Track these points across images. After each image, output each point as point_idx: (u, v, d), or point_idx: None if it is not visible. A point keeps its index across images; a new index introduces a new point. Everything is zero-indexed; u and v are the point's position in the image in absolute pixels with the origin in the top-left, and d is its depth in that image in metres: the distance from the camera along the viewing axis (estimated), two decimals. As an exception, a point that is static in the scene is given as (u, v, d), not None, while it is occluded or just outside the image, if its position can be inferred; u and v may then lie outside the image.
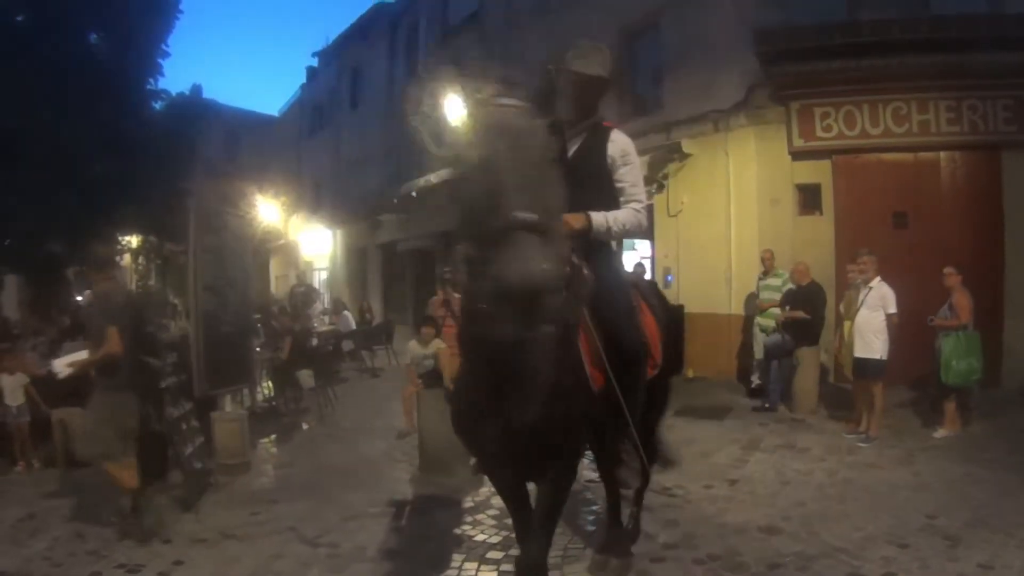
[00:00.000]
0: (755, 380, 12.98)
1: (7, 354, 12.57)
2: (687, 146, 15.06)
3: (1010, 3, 12.54)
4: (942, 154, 13.13)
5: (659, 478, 6.68)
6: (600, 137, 4.82)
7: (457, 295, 12.24)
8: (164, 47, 20.59)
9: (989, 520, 6.85)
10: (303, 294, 24.18)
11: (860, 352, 10.47)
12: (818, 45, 12.88)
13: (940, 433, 10.27)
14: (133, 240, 25.70)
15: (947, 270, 10.54)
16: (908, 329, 10.65)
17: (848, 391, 11.40)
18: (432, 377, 10.62)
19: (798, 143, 13.74)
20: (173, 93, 22.54)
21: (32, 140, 14.88)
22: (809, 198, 14.04)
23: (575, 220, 4.34)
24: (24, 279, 22.61)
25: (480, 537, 6.98)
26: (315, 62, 37.33)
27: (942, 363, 10.31)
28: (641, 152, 14.96)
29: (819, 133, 13.50)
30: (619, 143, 4.82)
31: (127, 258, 28.67)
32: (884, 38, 12.44)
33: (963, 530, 6.64)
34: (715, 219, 14.71)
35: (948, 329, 10.45)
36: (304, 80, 38.81)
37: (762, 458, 9.43)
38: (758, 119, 14.33)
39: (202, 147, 24.23)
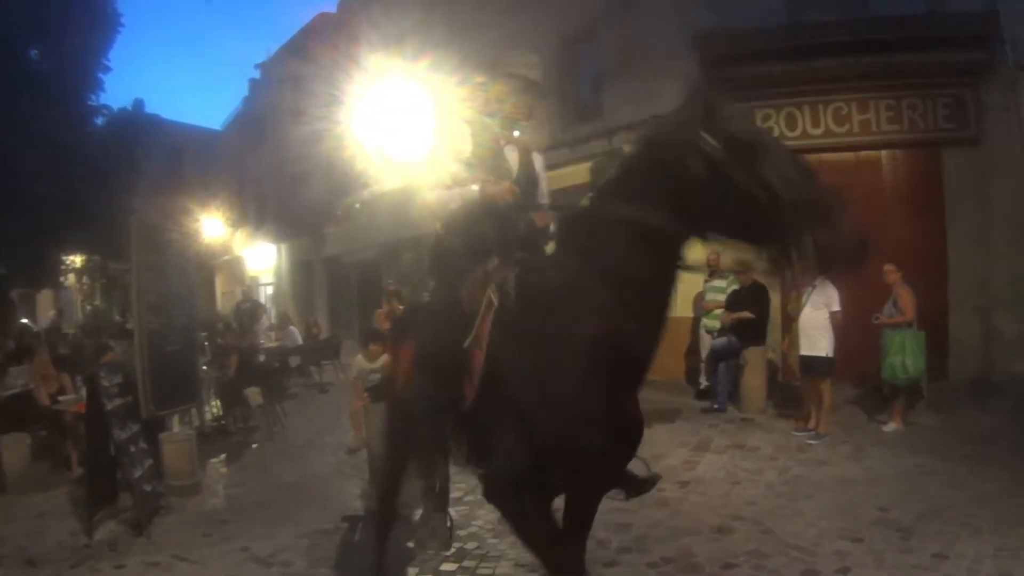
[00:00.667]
0: (703, 382, 12.99)
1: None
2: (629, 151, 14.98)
3: (948, 3, 12.72)
4: (883, 153, 13.31)
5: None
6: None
7: (402, 307, 12.18)
8: (105, 62, 20.37)
9: (941, 511, 6.92)
10: (249, 310, 23.89)
11: (806, 350, 10.57)
12: (758, 49, 12.99)
13: (889, 427, 10.40)
14: (77, 260, 25.37)
15: (887, 267, 10.64)
16: (853, 327, 10.74)
17: (796, 389, 11.48)
18: (378, 391, 10.51)
19: (741, 144, 13.67)
20: (115, 108, 22.30)
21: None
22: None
23: None
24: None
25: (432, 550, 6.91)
26: (257, 74, 37.02)
27: (886, 360, 10.48)
28: (583, 159, 14.96)
29: (760, 133, 13.48)
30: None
31: (71, 278, 28.33)
32: (824, 40, 12.58)
33: (916, 522, 6.69)
34: None
35: (894, 327, 10.58)
36: (247, 93, 38.46)
37: (713, 459, 9.42)
38: (697, 122, 14.25)
39: (145, 163, 23.98)
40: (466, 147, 4.32)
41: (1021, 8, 12.14)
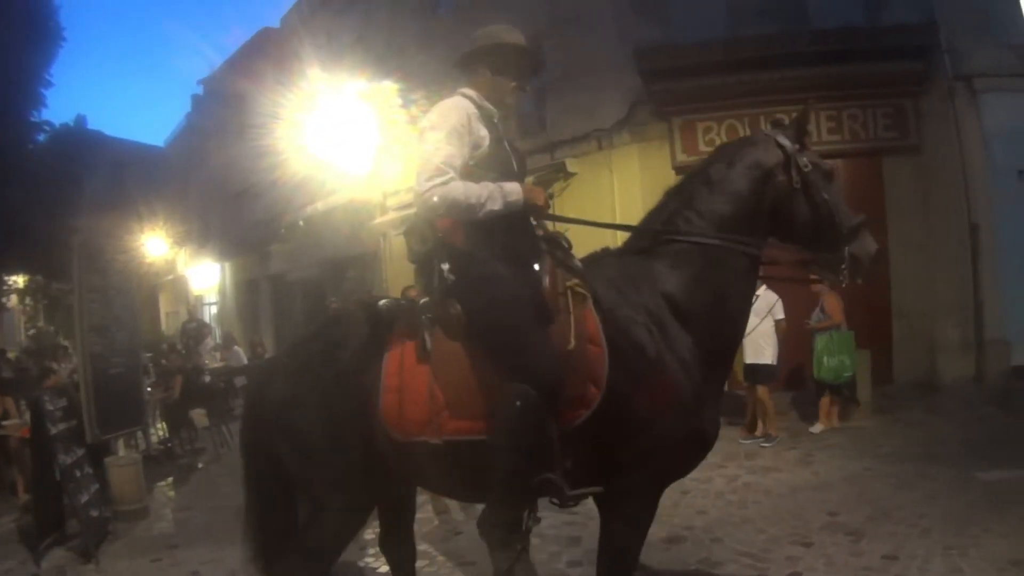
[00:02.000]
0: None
1: None
2: (571, 165, 15.12)
3: (887, 15, 12.95)
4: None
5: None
6: None
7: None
8: (47, 76, 20.07)
9: (890, 512, 7.00)
10: (194, 330, 23.63)
11: (751, 358, 10.71)
12: (699, 62, 13.17)
13: (817, 428, 10.77)
14: (19, 280, 24.97)
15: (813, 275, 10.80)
16: (788, 333, 11.02)
17: (742, 398, 11.55)
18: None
19: (681, 158, 13.91)
20: (57, 124, 22.00)
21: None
22: (695, 212, 14.12)
23: None
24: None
25: (384, 568, 6.82)
26: (200, 90, 36.65)
27: (821, 362, 10.80)
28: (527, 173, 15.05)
29: (702, 147, 13.63)
30: None
31: (14, 299, 27.88)
32: (764, 52, 12.75)
33: (865, 524, 6.76)
34: (602, 237, 14.54)
35: (824, 330, 10.91)
36: (189, 109, 38.07)
37: None
38: (641, 136, 14.49)
39: (87, 180, 23.67)
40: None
41: (959, 19, 12.47)
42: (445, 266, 3.89)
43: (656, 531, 6.94)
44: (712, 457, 9.28)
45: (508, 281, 3.80)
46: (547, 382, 3.51)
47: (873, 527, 6.66)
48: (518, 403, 3.51)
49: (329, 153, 16.90)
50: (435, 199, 3.77)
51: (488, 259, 3.86)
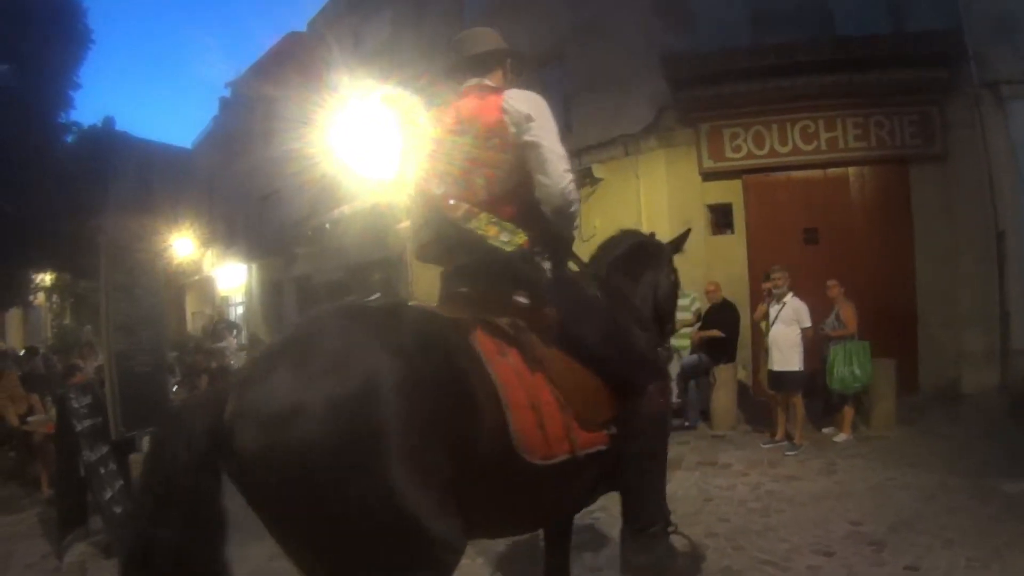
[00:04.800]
0: (674, 400, 13.00)
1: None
2: (598, 171, 15.23)
3: (913, 22, 12.89)
4: (851, 170, 13.48)
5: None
6: None
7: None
8: (76, 78, 20.22)
9: (913, 523, 6.95)
10: (221, 330, 23.82)
11: (777, 366, 10.74)
12: (724, 69, 13.17)
13: (840, 437, 10.69)
14: (47, 278, 25.15)
15: (830, 282, 11.14)
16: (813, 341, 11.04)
17: (766, 405, 11.59)
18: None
19: (708, 164, 14.01)
20: (85, 125, 22.16)
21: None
22: (721, 218, 14.33)
23: None
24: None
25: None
26: (228, 93, 36.75)
27: (834, 372, 10.79)
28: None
29: (728, 154, 13.80)
30: None
31: (40, 296, 28.08)
32: (790, 60, 12.74)
33: (888, 535, 6.71)
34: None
35: (838, 340, 10.89)
36: (217, 112, 38.19)
37: (684, 476, 9.40)
38: (668, 142, 14.57)
39: (114, 181, 23.81)
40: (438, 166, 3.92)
41: (984, 26, 12.36)
42: (547, 265, 3.81)
43: (679, 538, 7.00)
44: (736, 465, 9.41)
45: (587, 289, 3.98)
46: (664, 375, 3.74)
47: (895, 538, 6.62)
48: (658, 402, 3.75)
49: (355, 157, 16.94)
50: (574, 194, 3.83)
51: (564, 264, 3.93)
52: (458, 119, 3.86)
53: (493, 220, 3.69)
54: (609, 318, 3.91)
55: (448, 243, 3.80)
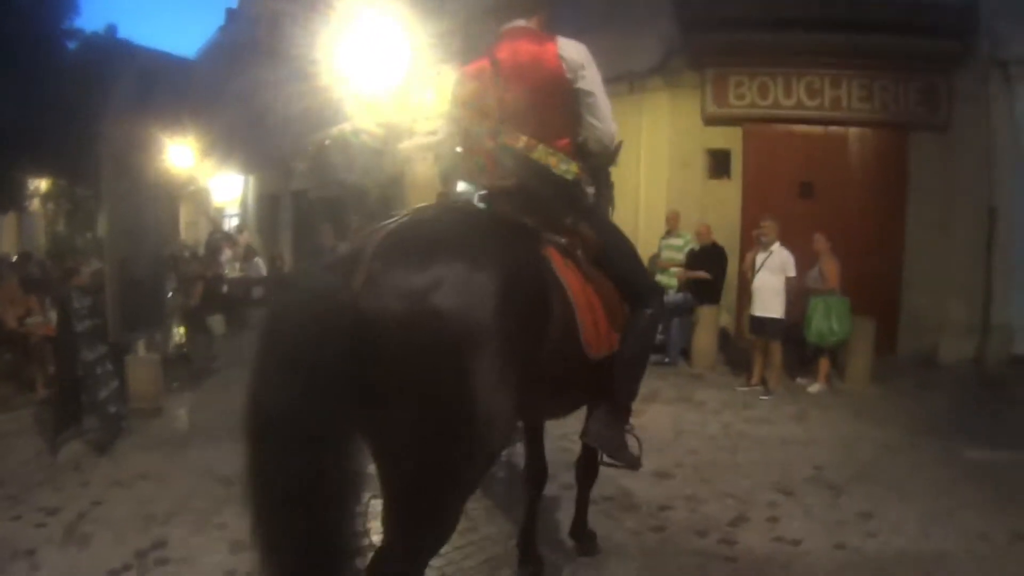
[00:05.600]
0: (657, 336, 13.10)
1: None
2: (600, 106, 15.12)
3: (928, -10, 12.81)
4: (851, 130, 13.49)
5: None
6: None
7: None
8: (80, -17, 20.07)
9: (873, 475, 7.17)
10: (219, 241, 23.94)
11: (759, 311, 10.98)
12: (737, 16, 13.05)
13: (814, 388, 10.89)
14: (43, 184, 25.09)
15: (817, 236, 11.30)
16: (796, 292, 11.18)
17: (744, 349, 11.89)
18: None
19: (711, 109, 13.99)
20: (87, 32, 22.00)
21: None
22: (719, 163, 14.34)
23: None
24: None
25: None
26: (235, 4, 36.36)
27: (812, 324, 10.99)
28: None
29: (732, 100, 13.78)
30: None
31: (36, 203, 28.06)
32: (803, 14, 12.64)
33: (847, 482, 6.93)
34: (626, 179, 14.46)
35: (818, 293, 11.05)
36: (223, 23, 37.78)
37: (660, 409, 9.67)
38: (673, 83, 14.50)
39: (114, 89, 23.67)
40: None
41: (1001, 3, 12.30)
42: (591, 189, 4.45)
43: (648, 464, 7.13)
44: (710, 403, 9.75)
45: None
46: (662, 303, 4.44)
47: (854, 486, 6.84)
48: (653, 321, 4.36)
49: (359, 77, 16.91)
50: (618, 135, 4.47)
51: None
52: (515, 60, 4.20)
53: (550, 152, 4.14)
54: (628, 241, 4.54)
55: (506, 169, 4.19)
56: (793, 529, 5.91)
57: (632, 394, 4.48)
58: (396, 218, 3.42)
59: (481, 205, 4.35)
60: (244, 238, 25.13)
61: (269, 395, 3.03)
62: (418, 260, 3.09)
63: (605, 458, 4.62)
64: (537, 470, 5.29)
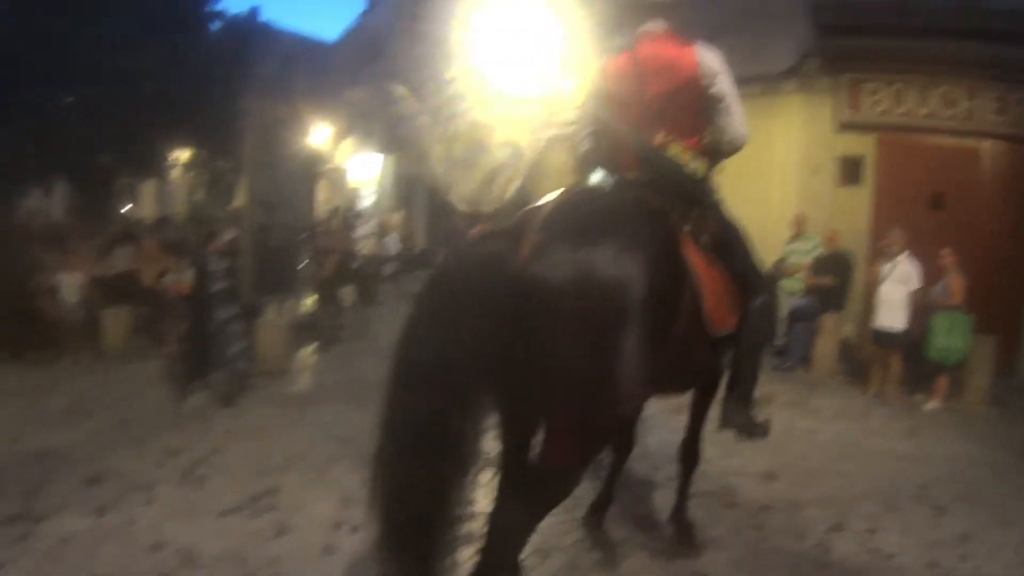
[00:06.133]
0: (779, 340, 13.18)
1: (69, 254, 13.20)
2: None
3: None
4: (986, 143, 13.18)
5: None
6: None
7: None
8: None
9: (977, 497, 7.10)
10: (352, 219, 24.66)
11: (882, 322, 10.94)
12: (874, 22, 12.93)
13: (930, 406, 10.64)
14: (184, 155, 26.00)
15: (945, 250, 10.95)
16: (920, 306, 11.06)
17: (863, 359, 11.81)
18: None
19: (844, 115, 13.84)
20: (230, 14, 22.63)
21: (91, 56, 15.10)
22: (850, 170, 14.12)
23: None
24: (73, 187, 23.10)
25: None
26: (379, -12, 36.82)
27: (933, 341, 10.77)
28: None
29: (866, 107, 13.62)
30: None
31: (176, 172, 29.06)
32: (940, 23, 12.45)
33: (951, 503, 6.90)
34: (755, 182, 14.20)
35: (942, 308, 10.85)
36: (366, 7, 38.35)
37: (775, 413, 9.33)
38: (807, 87, 14.41)
39: (255, 69, 24.28)
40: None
41: None
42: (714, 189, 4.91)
43: (755, 464, 7.34)
44: (825, 411, 9.82)
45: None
46: (774, 293, 5.03)
47: (957, 506, 6.81)
48: (766, 307, 4.80)
49: (500, 64, 17.13)
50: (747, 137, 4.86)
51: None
52: (656, 60, 4.64)
53: (683, 149, 4.62)
54: (745, 235, 4.98)
55: (642, 161, 4.63)
56: (889, 543, 5.95)
57: (754, 378, 4.92)
58: (553, 198, 4.01)
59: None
60: (396, 219, 26.46)
61: (424, 346, 3.57)
62: (580, 236, 3.64)
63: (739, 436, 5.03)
64: (626, 439, 5.68)
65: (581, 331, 3.51)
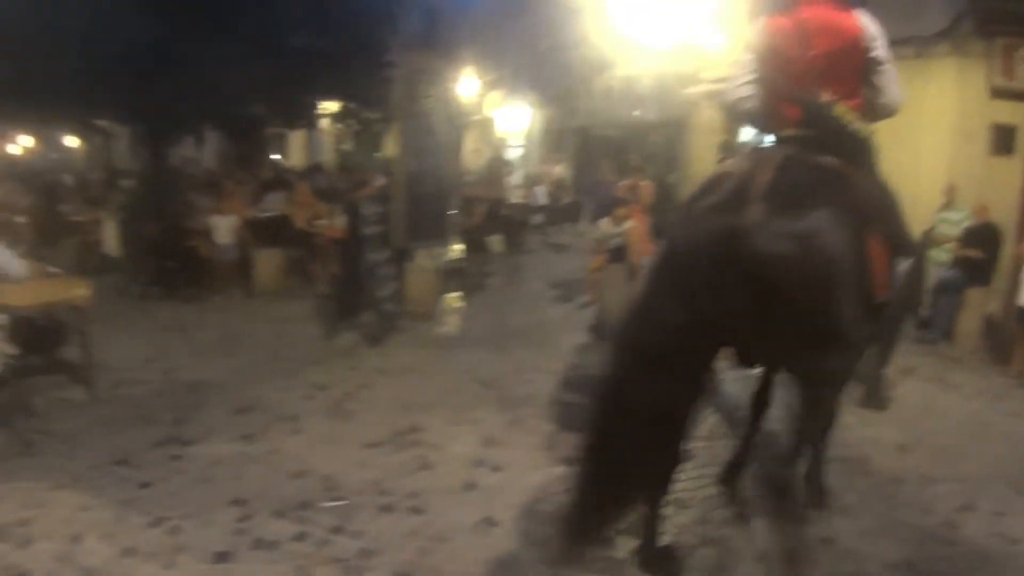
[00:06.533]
0: (924, 311, 12.81)
1: (223, 198, 13.94)
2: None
3: None
4: None
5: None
6: None
7: (645, 183, 12.93)
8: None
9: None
10: (500, 166, 25.15)
11: (1025, 301, 10.53)
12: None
13: None
14: (332, 106, 26.60)
15: None
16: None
17: (1006, 338, 11.45)
18: (618, 254, 11.26)
19: (998, 81, 13.26)
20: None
21: (242, 8, 15.66)
22: (1003, 139, 13.55)
23: None
24: (225, 136, 24.04)
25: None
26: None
27: None
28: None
29: (1021, 74, 13.06)
30: None
31: (326, 122, 29.78)
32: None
33: (1086, 495, 6.75)
34: (904, 148, 13.42)
35: None
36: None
37: (913, 385, 9.62)
38: (961, 51, 13.93)
39: (403, 22, 24.63)
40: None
41: None
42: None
43: (890, 436, 7.45)
44: (964, 388, 9.72)
45: None
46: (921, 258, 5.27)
47: (1093, 500, 6.67)
48: (913, 272, 4.90)
49: (646, 18, 17.05)
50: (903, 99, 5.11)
51: None
52: (820, 22, 4.78)
53: (847, 109, 4.72)
54: (896, 197, 5.03)
55: (807, 119, 4.75)
56: (1017, 527, 5.90)
57: (894, 340, 5.30)
58: (748, 160, 4.50)
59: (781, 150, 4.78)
60: (558, 171, 27.54)
61: (661, 326, 4.15)
62: (797, 208, 4.05)
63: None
64: (763, 399, 5.94)
65: (807, 295, 3.97)
